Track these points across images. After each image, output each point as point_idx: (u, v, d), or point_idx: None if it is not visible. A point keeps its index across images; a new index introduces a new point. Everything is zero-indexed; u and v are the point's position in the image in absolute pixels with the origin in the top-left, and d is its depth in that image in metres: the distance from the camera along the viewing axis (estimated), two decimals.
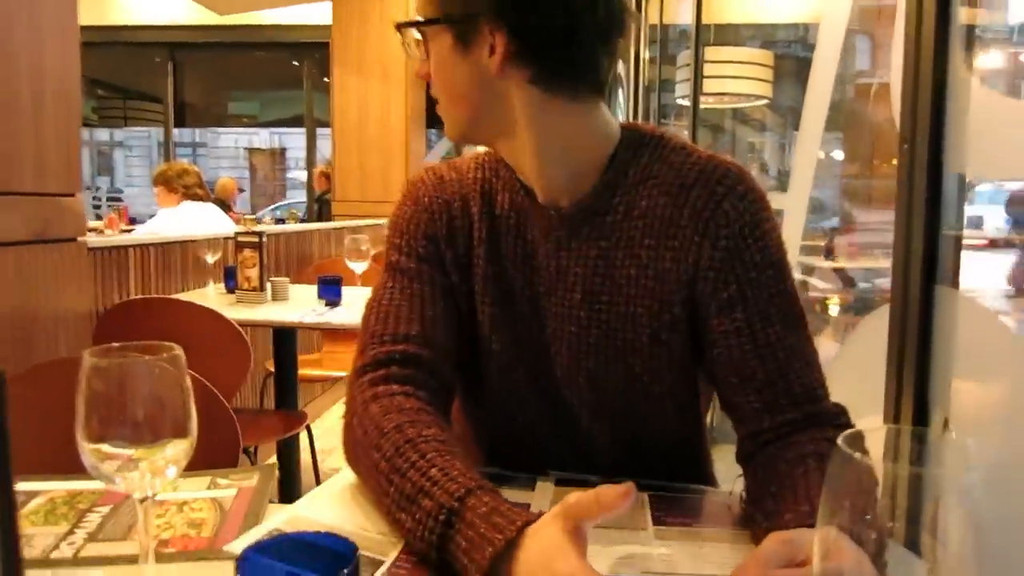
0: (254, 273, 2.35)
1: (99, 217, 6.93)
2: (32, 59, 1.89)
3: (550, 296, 0.86)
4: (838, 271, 3.99)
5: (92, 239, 2.15)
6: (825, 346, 4.16)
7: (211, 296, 2.51)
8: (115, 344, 0.62)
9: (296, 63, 8.22)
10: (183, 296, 2.59)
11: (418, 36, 0.84)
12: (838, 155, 6.35)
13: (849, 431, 0.38)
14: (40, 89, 1.91)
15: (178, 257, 2.69)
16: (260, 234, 2.36)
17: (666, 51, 5.10)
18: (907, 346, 0.88)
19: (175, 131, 8.69)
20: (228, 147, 18.94)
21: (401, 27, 0.84)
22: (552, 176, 0.84)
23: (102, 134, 16.75)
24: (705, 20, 5.46)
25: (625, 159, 0.84)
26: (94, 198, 12.74)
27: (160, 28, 7.71)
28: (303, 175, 10.05)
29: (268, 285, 2.40)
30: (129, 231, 4.80)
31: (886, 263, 1.24)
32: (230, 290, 2.47)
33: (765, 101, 5.37)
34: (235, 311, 2.23)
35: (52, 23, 1.96)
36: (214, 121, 13.72)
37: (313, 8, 7.00)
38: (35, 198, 1.90)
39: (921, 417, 0.88)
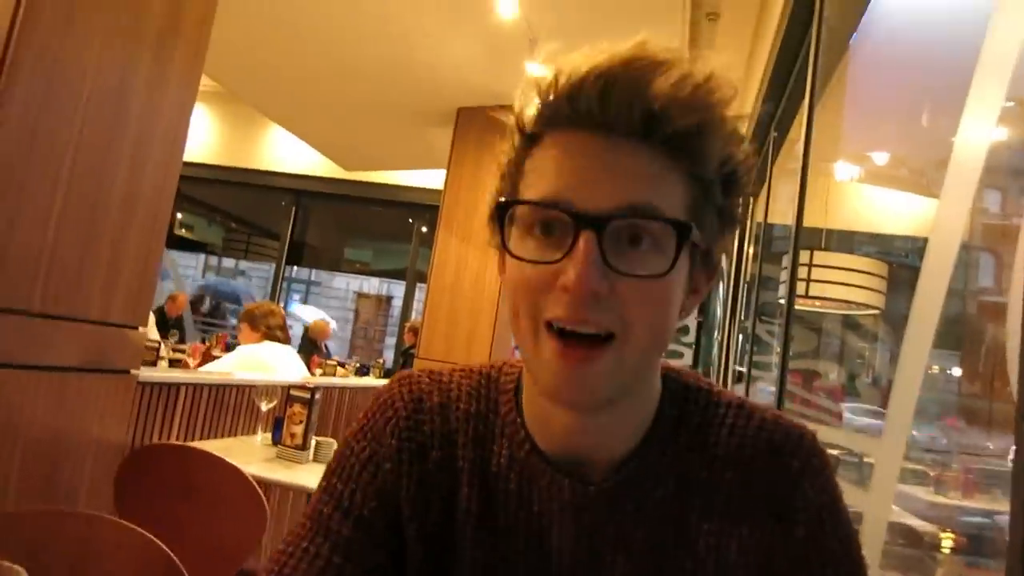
0: (299, 430, 2.26)
1: (204, 340, 7.20)
2: (129, 186, 1.91)
3: None
4: (949, 508, 3.56)
5: (144, 373, 2.13)
6: None
7: (255, 445, 2.43)
8: None
9: (411, 220, 8.63)
10: (229, 441, 2.53)
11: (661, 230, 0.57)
12: (956, 372, 5.93)
13: None
14: (129, 216, 1.93)
15: (232, 399, 2.66)
16: (313, 391, 2.30)
17: (769, 249, 5.02)
18: None
19: (294, 269, 9.16)
20: (340, 289, 19.90)
21: (679, 228, 0.56)
22: (610, 442, 0.63)
23: (228, 262, 17.93)
24: (821, 224, 5.42)
25: (672, 417, 0.66)
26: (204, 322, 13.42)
27: (291, 176, 8.34)
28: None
29: (312, 443, 2.30)
30: (216, 358, 4.91)
31: (1006, 505, 1.03)
32: (275, 442, 2.39)
33: (877, 311, 5.16)
34: (271, 468, 2.13)
35: (157, 154, 2.00)
36: (330, 264, 14.47)
37: (430, 172, 7.44)
38: (98, 326, 1.91)
39: None
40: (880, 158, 5.70)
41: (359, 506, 0.65)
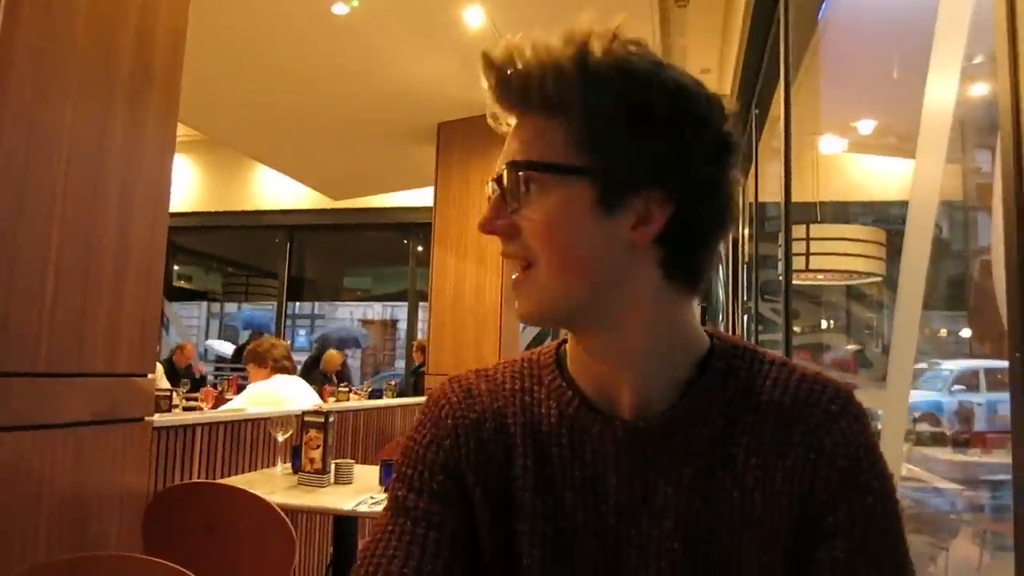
0: (317, 455, 2.28)
1: (215, 385, 7.19)
2: (119, 239, 1.94)
3: (629, 527, 0.70)
4: (970, 465, 3.55)
5: (158, 418, 2.15)
6: (962, 549, 3.62)
7: (276, 476, 2.45)
8: None
9: (405, 241, 8.66)
10: (250, 475, 2.54)
11: (507, 173, 0.67)
12: (965, 333, 5.92)
13: None
14: (122, 269, 1.95)
15: (248, 434, 2.67)
16: (326, 415, 2.31)
17: (763, 228, 5.03)
18: None
19: (296, 305, 9.18)
20: (344, 319, 19.89)
21: (519, 167, 0.66)
22: (645, 381, 0.70)
23: (231, 307, 17.97)
24: (812, 198, 5.43)
25: (720, 370, 0.71)
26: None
27: (281, 212, 8.38)
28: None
29: (332, 467, 2.32)
30: (228, 400, 4.93)
31: None
32: (296, 470, 2.41)
33: (879, 278, 5.16)
34: (293, 495, 2.15)
35: (143, 205, 2.03)
36: (331, 295, 14.47)
37: (419, 191, 7.47)
38: (105, 379, 1.93)
39: None
40: (866, 127, 5.71)
41: (429, 482, 0.72)
